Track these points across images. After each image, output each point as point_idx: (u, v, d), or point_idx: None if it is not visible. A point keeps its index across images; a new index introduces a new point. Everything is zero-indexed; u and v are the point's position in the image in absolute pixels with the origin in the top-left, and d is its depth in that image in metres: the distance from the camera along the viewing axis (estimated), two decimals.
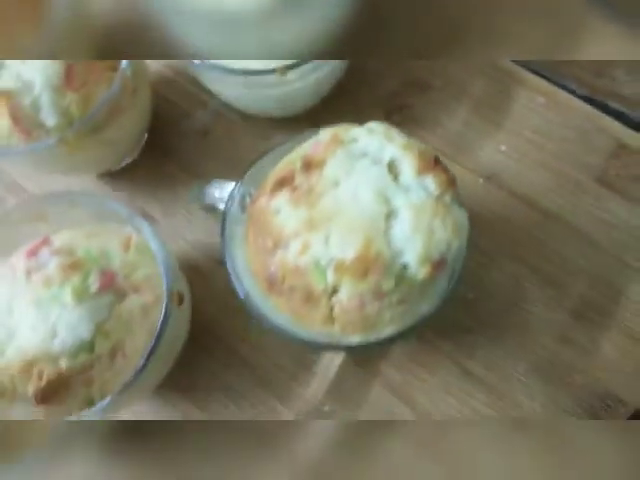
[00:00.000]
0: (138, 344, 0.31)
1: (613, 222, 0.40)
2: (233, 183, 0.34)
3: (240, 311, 0.39)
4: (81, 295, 0.29)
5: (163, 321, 0.29)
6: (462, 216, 0.29)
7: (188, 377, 0.38)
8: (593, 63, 0.45)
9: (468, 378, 0.37)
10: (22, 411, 0.30)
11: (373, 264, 0.27)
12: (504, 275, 0.39)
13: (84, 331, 0.29)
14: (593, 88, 0.45)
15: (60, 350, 0.29)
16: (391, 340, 0.29)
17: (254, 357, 0.38)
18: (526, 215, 0.41)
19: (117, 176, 0.43)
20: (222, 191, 0.34)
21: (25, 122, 0.33)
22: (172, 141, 0.44)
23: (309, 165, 0.29)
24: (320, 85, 0.38)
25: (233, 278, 0.30)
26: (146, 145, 0.44)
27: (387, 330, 0.30)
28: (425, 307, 0.30)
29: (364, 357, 0.38)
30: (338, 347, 0.29)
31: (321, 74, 0.36)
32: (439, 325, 0.37)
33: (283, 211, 0.29)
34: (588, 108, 0.43)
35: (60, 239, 0.32)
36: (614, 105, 0.44)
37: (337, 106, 0.43)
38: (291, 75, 0.34)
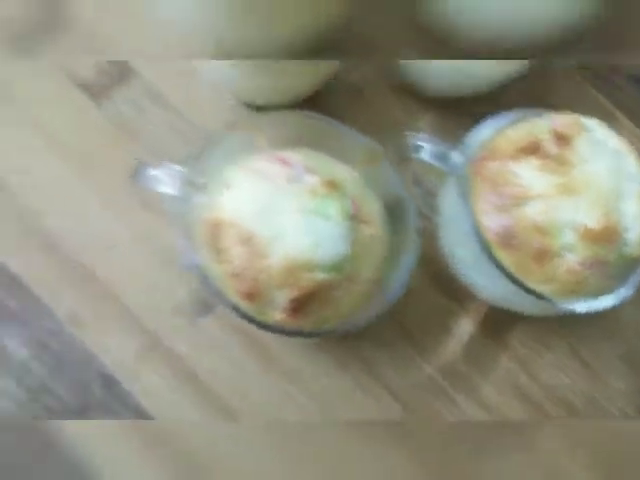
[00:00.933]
0: (366, 275, 0.31)
1: None
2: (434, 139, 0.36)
3: None
4: (344, 213, 0.29)
5: (410, 255, 0.31)
6: None
7: None
8: None
9: (576, 359, 0.42)
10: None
11: (611, 234, 0.31)
12: None
13: (342, 249, 0.29)
14: None
15: (320, 262, 0.28)
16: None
17: (400, 312, 0.40)
18: None
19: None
20: (435, 147, 0.35)
21: None
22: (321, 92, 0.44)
23: (561, 138, 0.32)
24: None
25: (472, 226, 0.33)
26: None
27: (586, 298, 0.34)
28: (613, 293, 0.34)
29: (494, 330, 0.42)
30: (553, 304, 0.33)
31: None
32: None
33: (528, 174, 0.32)
34: None
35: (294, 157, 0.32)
36: None
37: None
38: None
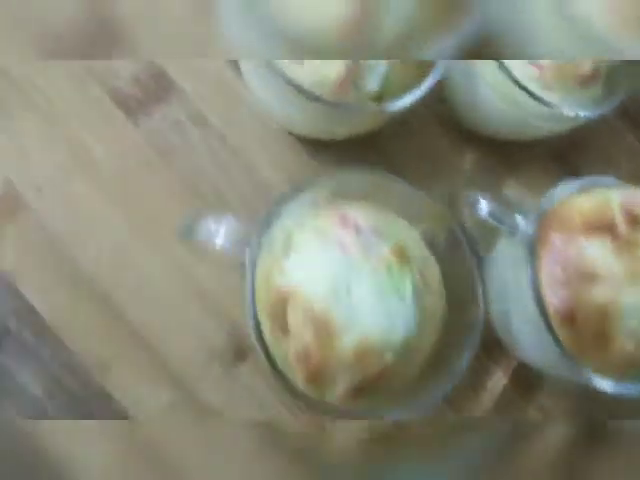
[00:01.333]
0: (426, 344, 0.30)
1: None
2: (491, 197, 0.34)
3: None
4: (415, 290, 0.27)
5: (475, 335, 0.29)
6: None
7: None
8: None
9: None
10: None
11: None
12: None
13: (413, 328, 0.27)
14: None
15: (392, 344, 0.26)
16: None
17: None
18: None
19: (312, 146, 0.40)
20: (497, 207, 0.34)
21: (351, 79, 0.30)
22: None
23: (631, 216, 0.31)
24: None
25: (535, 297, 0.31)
26: None
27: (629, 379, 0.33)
28: None
29: (524, 386, 0.41)
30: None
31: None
32: None
33: (598, 254, 0.31)
34: None
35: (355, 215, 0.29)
36: None
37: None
38: None
